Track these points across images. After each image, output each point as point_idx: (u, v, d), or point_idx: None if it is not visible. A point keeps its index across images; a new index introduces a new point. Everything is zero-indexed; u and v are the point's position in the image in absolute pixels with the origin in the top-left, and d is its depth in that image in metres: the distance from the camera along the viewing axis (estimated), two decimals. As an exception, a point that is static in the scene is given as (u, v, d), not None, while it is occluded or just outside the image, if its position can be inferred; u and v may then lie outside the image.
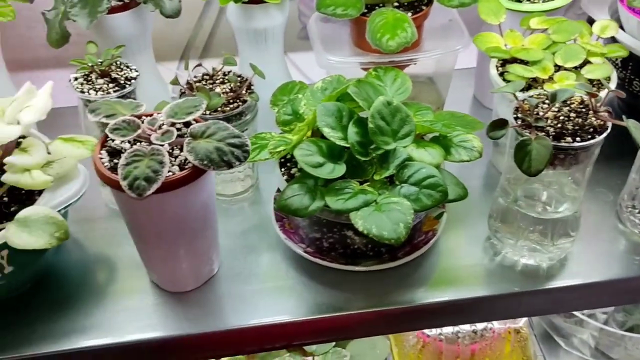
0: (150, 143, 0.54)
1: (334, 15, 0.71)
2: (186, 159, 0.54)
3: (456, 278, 0.65)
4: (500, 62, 0.72)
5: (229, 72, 0.71)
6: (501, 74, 0.70)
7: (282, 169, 0.64)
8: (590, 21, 0.74)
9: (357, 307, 0.62)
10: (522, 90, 0.62)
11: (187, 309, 0.63)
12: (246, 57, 0.74)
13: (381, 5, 0.76)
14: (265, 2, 0.69)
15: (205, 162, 0.52)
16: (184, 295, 0.64)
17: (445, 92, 0.82)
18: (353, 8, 0.71)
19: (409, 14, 0.72)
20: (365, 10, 0.73)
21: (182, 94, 0.68)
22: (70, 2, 0.66)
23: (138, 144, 0.56)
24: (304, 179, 0.59)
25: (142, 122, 0.55)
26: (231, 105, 0.67)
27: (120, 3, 0.68)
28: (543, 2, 0.77)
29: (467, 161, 0.61)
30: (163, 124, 0.56)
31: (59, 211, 0.57)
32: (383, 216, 0.54)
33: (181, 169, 0.54)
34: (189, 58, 1.02)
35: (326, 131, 0.58)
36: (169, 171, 0.52)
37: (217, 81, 0.70)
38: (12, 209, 0.58)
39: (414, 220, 0.55)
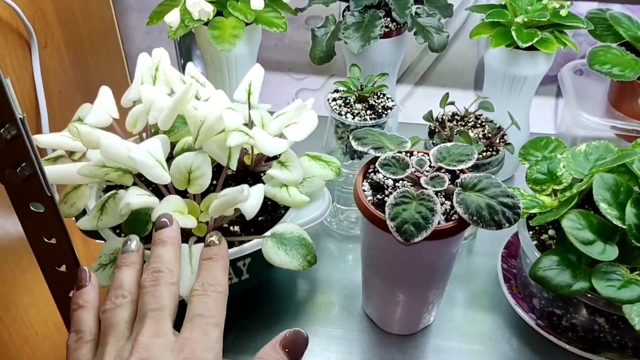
0: (415, 184, 0.52)
1: (608, 75, 0.65)
2: (452, 209, 0.51)
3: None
4: None
5: (480, 115, 0.67)
6: None
7: (530, 232, 0.59)
8: None
9: (589, 400, 0.56)
10: None
11: (393, 353, 0.60)
12: (492, 101, 0.70)
13: (657, 69, 0.69)
14: (537, 49, 0.65)
15: (474, 218, 0.49)
16: (394, 337, 0.62)
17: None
18: (631, 70, 0.65)
19: (694, 85, 0.65)
20: (640, 74, 0.66)
21: (431, 132, 0.65)
22: (344, 24, 0.66)
23: (401, 181, 0.54)
24: (566, 252, 0.54)
25: (410, 160, 0.53)
26: (484, 154, 0.63)
27: (386, 30, 0.67)
28: None
29: None
30: (430, 166, 0.54)
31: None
32: (664, 318, 0.48)
33: (446, 218, 0.51)
34: (404, 83, 1.01)
35: (602, 207, 0.53)
36: (435, 219, 0.50)
37: (469, 124, 0.66)
38: (260, 218, 0.58)
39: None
